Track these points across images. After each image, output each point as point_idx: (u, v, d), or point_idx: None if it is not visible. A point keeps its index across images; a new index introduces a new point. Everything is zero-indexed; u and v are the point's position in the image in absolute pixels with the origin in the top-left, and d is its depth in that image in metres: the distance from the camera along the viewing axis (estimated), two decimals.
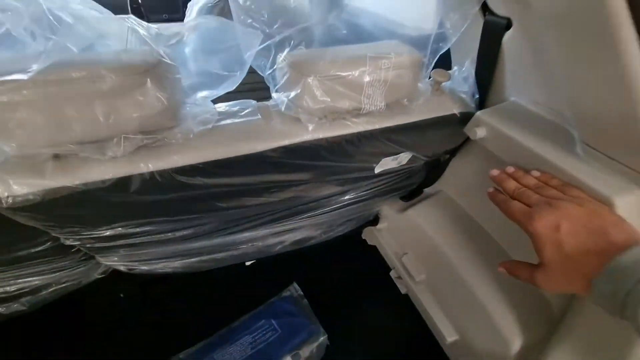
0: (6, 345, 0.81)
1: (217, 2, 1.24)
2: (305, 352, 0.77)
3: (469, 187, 0.82)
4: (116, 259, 0.69)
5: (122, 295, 0.89)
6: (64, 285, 0.73)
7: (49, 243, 0.57)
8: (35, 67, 0.35)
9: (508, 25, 0.55)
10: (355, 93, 0.49)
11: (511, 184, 0.46)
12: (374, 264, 1.02)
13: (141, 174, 0.44)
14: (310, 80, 0.47)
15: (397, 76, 0.50)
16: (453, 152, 0.80)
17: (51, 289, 0.72)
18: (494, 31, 0.57)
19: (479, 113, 0.59)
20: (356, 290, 0.98)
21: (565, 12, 0.39)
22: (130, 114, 0.40)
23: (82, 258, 0.67)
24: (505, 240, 0.74)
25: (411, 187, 0.91)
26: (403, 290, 0.95)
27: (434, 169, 0.86)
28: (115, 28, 0.45)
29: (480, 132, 0.57)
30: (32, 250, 0.57)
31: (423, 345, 0.85)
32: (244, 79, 0.53)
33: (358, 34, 0.62)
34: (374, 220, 1.01)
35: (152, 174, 0.45)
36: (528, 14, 0.48)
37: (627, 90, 0.36)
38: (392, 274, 0.98)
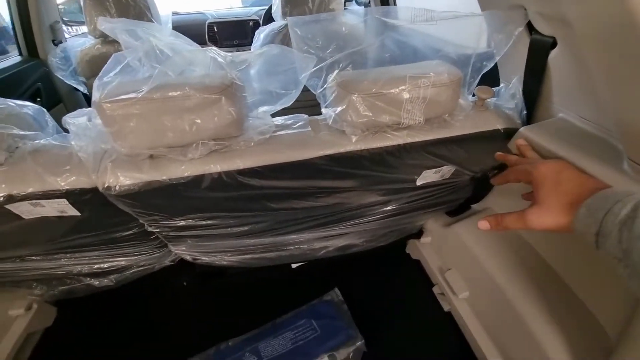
0: (93, 313, 0.97)
1: (281, 29, 1.39)
2: (342, 354, 0.80)
3: (517, 205, 0.79)
4: (184, 248, 0.81)
5: (185, 283, 1.02)
6: (142, 267, 0.87)
7: (136, 228, 0.70)
8: (145, 88, 0.46)
9: (553, 44, 0.56)
10: (395, 109, 0.55)
11: (513, 156, 0.52)
12: (416, 279, 1.02)
13: (211, 174, 0.54)
14: (354, 97, 0.54)
15: (436, 93, 0.54)
16: (501, 168, 0.79)
17: (132, 270, 0.86)
18: (540, 50, 0.58)
19: (522, 129, 0.60)
20: (397, 303, 0.99)
21: (603, 34, 0.40)
22: (208, 125, 0.50)
23: (159, 245, 0.80)
24: (556, 262, 0.70)
25: (458, 202, 0.91)
26: (446, 308, 0.93)
27: (481, 185, 0.86)
28: (201, 57, 0.57)
29: None
30: (124, 234, 0.71)
31: None
32: (304, 96, 0.61)
33: (408, 53, 0.67)
34: (418, 234, 1.02)
35: (219, 174, 0.55)
36: (571, 34, 0.49)
37: None
38: (435, 289, 0.97)
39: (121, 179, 0.52)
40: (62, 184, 0.53)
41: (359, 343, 0.82)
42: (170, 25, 1.31)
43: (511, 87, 0.67)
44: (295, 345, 0.83)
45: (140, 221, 0.67)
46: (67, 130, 0.57)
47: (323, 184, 0.65)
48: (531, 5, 0.56)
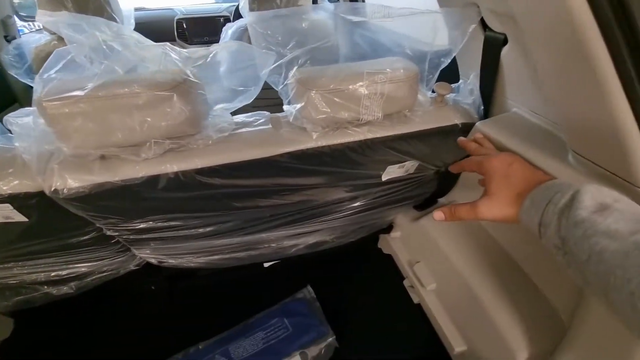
0: (53, 323, 0.93)
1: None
2: (313, 351, 0.80)
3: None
4: (148, 251, 0.79)
5: (153, 287, 0.99)
6: (105, 273, 0.83)
7: (93, 233, 0.67)
8: (90, 85, 0.44)
9: (505, 40, 0.57)
10: (353, 105, 0.55)
11: (473, 144, 0.55)
12: (388, 273, 1.03)
13: (167, 174, 0.53)
14: (313, 94, 0.54)
15: (393, 89, 0.55)
16: None
17: (94, 276, 0.83)
18: (493, 46, 0.60)
19: (478, 124, 0.61)
20: (369, 297, 1.00)
21: (544, 30, 0.41)
22: (160, 123, 0.48)
23: (121, 249, 0.77)
24: (517, 253, 0.73)
25: (424, 197, 0.93)
26: (415, 300, 0.95)
27: (446, 179, 0.88)
28: (153, 53, 0.55)
29: None
30: (81, 239, 0.67)
31: (432, 355, 0.84)
32: (271, 94, 0.60)
33: (373, 49, 0.68)
34: (389, 229, 1.03)
35: (176, 173, 0.53)
36: (519, 31, 0.51)
37: (604, 103, 0.38)
38: (406, 282, 0.99)
39: (69, 182, 0.50)
40: (5, 188, 0.50)
41: (330, 339, 0.83)
42: (132, 21, 1.25)
43: (469, 83, 0.69)
44: (267, 345, 0.82)
45: (97, 225, 0.64)
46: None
47: (287, 181, 0.64)
48: (483, 3, 0.57)
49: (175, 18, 2.15)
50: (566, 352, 0.55)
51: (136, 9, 2.23)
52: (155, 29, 2.11)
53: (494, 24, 0.57)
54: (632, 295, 0.28)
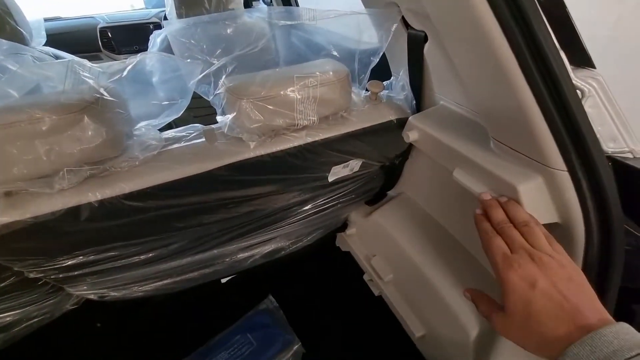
0: None
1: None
2: None
3: (425, 187, 0.87)
4: (85, 287, 0.71)
5: (98, 324, 0.90)
6: (35, 320, 0.74)
7: (12, 278, 0.59)
8: None
9: (426, 37, 0.60)
10: (287, 110, 0.54)
11: (499, 215, 0.44)
12: (348, 270, 1.05)
13: (89, 203, 0.48)
14: (244, 102, 0.52)
15: (325, 92, 0.55)
16: (405, 155, 0.84)
17: (23, 325, 0.73)
18: (415, 43, 0.62)
19: (411, 118, 0.64)
20: (332, 297, 1.01)
21: (456, 32, 0.44)
22: (71, 149, 0.43)
23: (50, 290, 0.68)
24: (462, 236, 0.78)
25: (374, 192, 0.96)
26: (376, 293, 0.97)
27: (391, 173, 0.91)
28: (59, 70, 0.49)
29: (412, 136, 0.62)
30: None
31: (397, 344, 0.87)
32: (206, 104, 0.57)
33: (313, 50, 0.67)
34: (344, 227, 1.04)
35: (100, 202, 0.48)
36: (435, 28, 0.53)
37: (512, 95, 0.41)
38: (365, 277, 1.01)
39: None
40: None
41: (296, 347, 0.82)
42: (43, 33, 1.12)
43: (400, 79, 0.72)
44: None
45: (15, 269, 0.57)
46: None
47: (230, 194, 0.62)
48: (402, 3, 0.59)
49: (98, 27, 1.98)
50: None
51: (48, 20, 2.01)
52: (74, 40, 1.93)
53: (414, 23, 0.60)
54: None
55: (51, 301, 0.71)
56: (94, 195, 0.48)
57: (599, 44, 0.52)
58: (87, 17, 2.07)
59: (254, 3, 2.10)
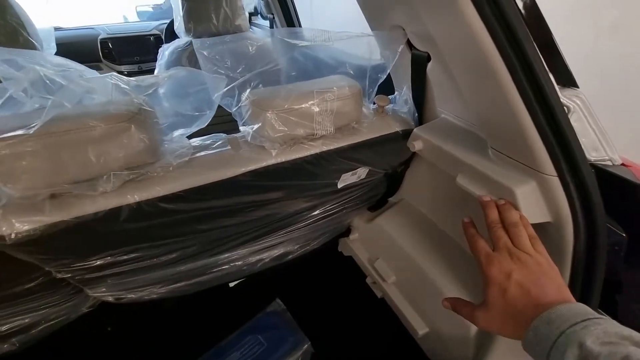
0: None
1: (187, 46, 1.35)
2: None
3: (424, 193, 0.93)
4: (104, 289, 0.74)
5: (109, 328, 0.92)
6: (53, 321, 0.76)
7: (40, 278, 0.61)
8: (38, 122, 0.42)
9: (429, 57, 0.67)
10: (307, 121, 0.60)
11: (494, 214, 0.49)
12: (351, 274, 1.09)
13: (129, 205, 0.52)
14: (269, 114, 0.57)
15: (341, 105, 0.61)
16: (407, 164, 0.91)
17: (41, 327, 0.75)
18: (419, 63, 0.69)
19: (416, 129, 0.70)
20: (336, 300, 1.05)
21: (457, 52, 0.51)
22: (118, 155, 0.48)
23: (72, 292, 0.71)
24: (460, 237, 0.84)
25: (376, 198, 1.01)
26: (379, 295, 1.02)
27: (393, 180, 0.97)
28: (100, 84, 0.54)
29: (417, 145, 0.68)
30: (26, 287, 0.61)
31: (402, 343, 0.91)
32: (220, 112, 0.62)
33: (317, 65, 0.73)
34: (347, 232, 1.09)
35: (138, 204, 0.52)
36: (437, 49, 0.60)
37: (509, 108, 0.47)
38: (368, 280, 1.05)
39: (17, 226, 0.46)
40: None
41: (305, 346, 0.85)
42: (54, 44, 1.16)
43: (403, 94, 0.79)
44: None
45: (46, 269, 0.59)
46: None
47: (250, 199, 0.66)
48: (407, 27, 0.66)
49: (99, 38, 2.01)
50: None
51: (55, 30, 2.04)
52: (76, 50, 1.96)
53: (418, 44, 0.67)
54: None
55: (70, 303, 0.73)
56: (132, 197, 0.52)
57: (578, 63, 0.59)
58: (87, 27, 2.11)
59: (252, 17, 2.18)
